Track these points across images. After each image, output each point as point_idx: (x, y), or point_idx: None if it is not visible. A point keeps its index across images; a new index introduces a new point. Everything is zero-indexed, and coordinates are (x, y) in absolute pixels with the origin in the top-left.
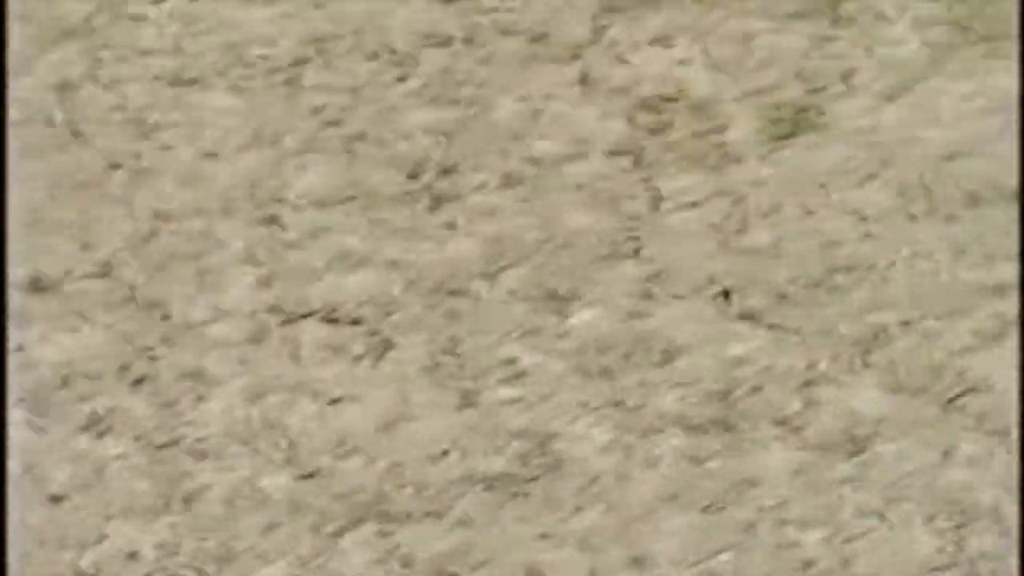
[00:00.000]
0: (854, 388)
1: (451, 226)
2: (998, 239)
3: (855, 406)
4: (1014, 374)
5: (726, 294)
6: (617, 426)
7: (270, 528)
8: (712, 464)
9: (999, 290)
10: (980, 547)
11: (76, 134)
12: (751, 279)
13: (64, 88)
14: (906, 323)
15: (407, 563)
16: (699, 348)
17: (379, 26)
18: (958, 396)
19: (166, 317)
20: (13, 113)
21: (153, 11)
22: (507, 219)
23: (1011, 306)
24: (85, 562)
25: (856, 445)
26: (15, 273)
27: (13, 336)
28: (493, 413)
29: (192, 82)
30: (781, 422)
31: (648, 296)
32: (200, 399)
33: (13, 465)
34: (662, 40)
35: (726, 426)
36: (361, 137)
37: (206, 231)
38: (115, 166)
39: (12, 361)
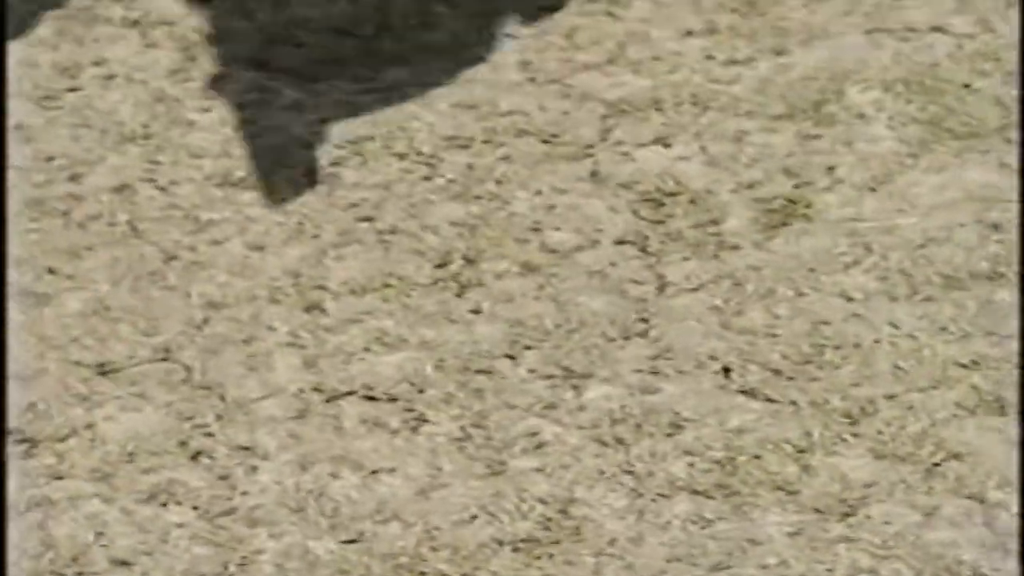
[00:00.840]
0: (845, 455)
1: (476, 311)
2: (973, 318)
3: (846, 472)
4: (991, 441)
5: (726, 370)
6: (631, 492)
7: None
8: (718, 526)
9: (976, 364)
10: None
11: (135, 231)
12: (749, 356)
13: (124, 189)
14: (890, 396)
15: None
16: (703, 420)
17: (407, 129)
18: (940, 462)
19: (221, 397)
20: (77, 213)
21: (205, 118)
22: (526, 304)
23: (986, 380)
24: None
25: (848, 507)
26: (84, 357)
27: (82, 416)
28: (518, 481)
29: (240, 182)
30: (780, 487)
31: (656, 372)
32: (252, 471)
33: (81, 533)
34: (663, 139)
35: (729, 491)
36: (393, 231)
37: (255, 317)
38: (171, 259)
39: (82, 438)
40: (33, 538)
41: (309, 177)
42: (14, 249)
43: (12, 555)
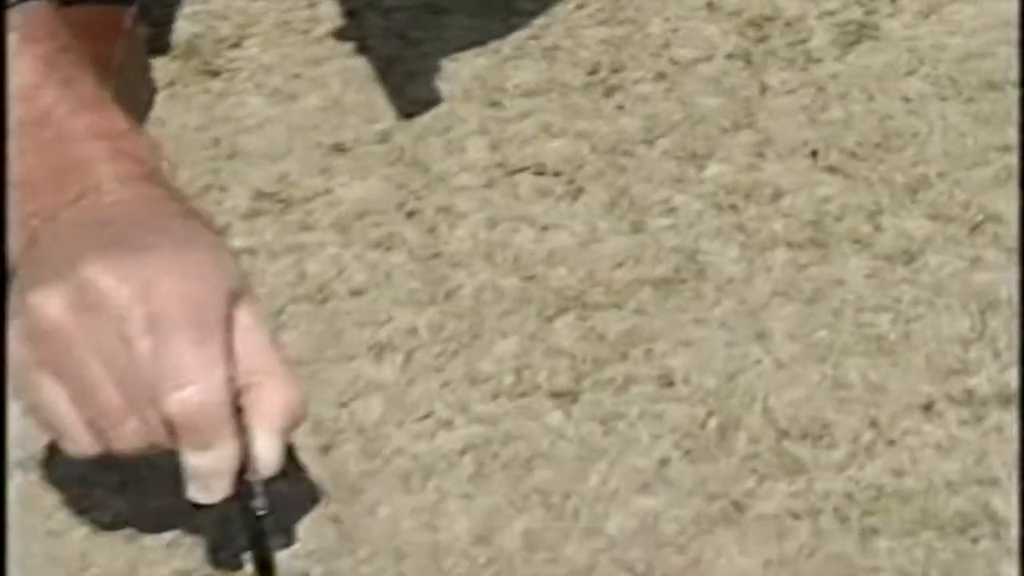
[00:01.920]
0: (907, 218)
1: (620, 107)
2: (1005, 113)
3: (908, 230)
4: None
5: (814, 153)
6: (742, 244)
7: (505, 314)
8: (809, 270)
9: (1006, 149)
10: (997, 325)
11: (363, 47)
12: (831, 143)
13: (350, 14)
14: (941, 173)
15: (600, 338)
16: (797, 191)
17: None
18: (981, 223)
19: (426, 170)
20: (316, 31)
21: None
22: (658, 103)
23: (1014, 159)
24: (383, 334)
25: (910, 256)
26: (323, 140)
27: (323, 184)
28: (655, 235)
29: (443, 10)
30: (856, 241)
31: (760, 155)
32: (452, 226)
33: (325, 271)
34: None
35: (818, 244)
36: (555, 47)
37: (452, 111)
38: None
39: (323, 200)
40: (290, 274)
41: (487, 4)
42: (267, 58)
43: (272, 285)
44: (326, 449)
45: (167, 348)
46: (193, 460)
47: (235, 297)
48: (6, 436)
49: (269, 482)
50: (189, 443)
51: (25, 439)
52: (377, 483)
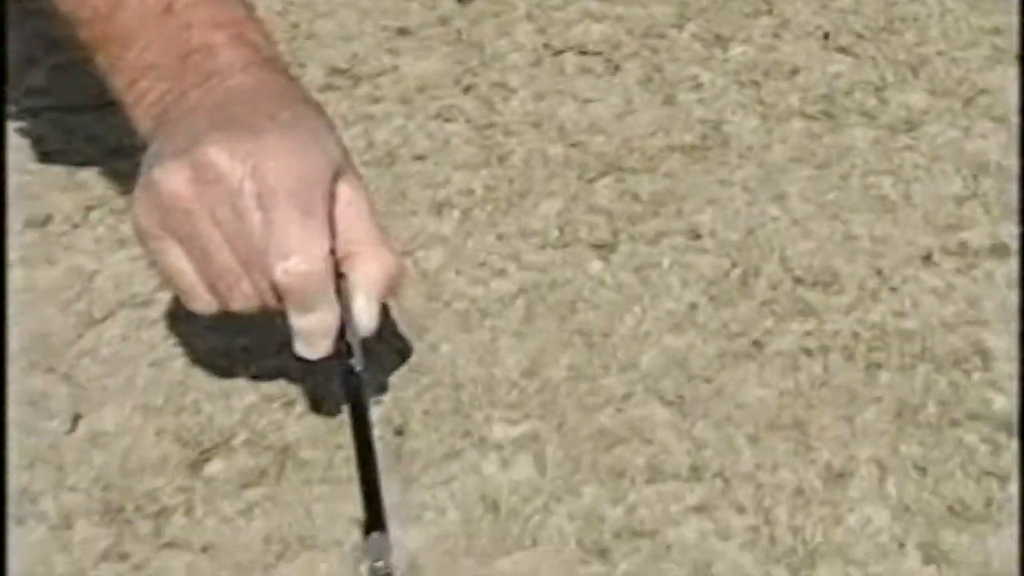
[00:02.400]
0: (909, 92)
1: None
2: (994, 2)
3: (910, 102)
4: (1010, 84)
5: (826, 35)
6: (761, 116)
7: (551, 176)
8: (823, 139)
9: (997, 31)
10: (988, 186)
11: None
12: (841, 26)
13: None
14: (940, 53)
15: (635, 198)
16: (810, 68)
17: None
18: (973, 97)
19: (481, 50)
20: None
21: None
22: None
23: (1005, 40)
24: (443, 194)
25: (911, 126)
26: (388, 23)
27: (389, 61)
28: (684, 108)
29: None
30: (864, 113)
31: (778, 37)
32: (505, 99)
33: (392, 139)
34: None
35: (830, 115)
36: None
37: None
38: None
39: (390, 76)
40: (360, 141)
41: None
42: None
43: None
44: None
45: (274, 222)
46: (297, 322)
47: (338, 173)
48: (6, 436)
49: (366, 342)
50: (294, 307)
51: (130, 280)
52: (438, 323)
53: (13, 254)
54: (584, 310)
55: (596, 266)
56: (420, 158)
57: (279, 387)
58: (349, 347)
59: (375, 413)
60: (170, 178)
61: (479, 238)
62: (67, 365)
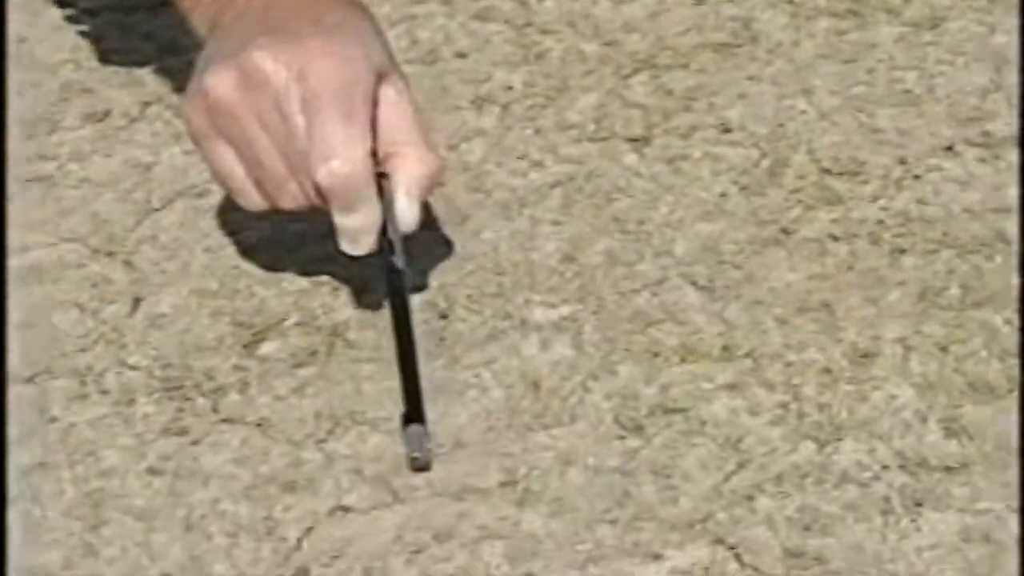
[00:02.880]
0: None
1: None
2: None
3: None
4: None
5: None
6: (790, 14)
7: (587, 73)
8: (848, 36)
9: None
10: (1012, 79)
11: None
12: None
13: None
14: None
15: (668, 93)
16: None
17: None
18: None
19: None
20: None
21: None
22: None
23: None
24: (483, 90)
25: (935, 22)
26: None
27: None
28: (715, 7)
29: None
30: (889, 10)
31: None
32: (541, 0)
33: (434, 37)
34: None
35: (855, 13)
36: None
37: None
38: None
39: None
40: (403, 40)
41: None
42: None
43: None
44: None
45: (317, 125)
46: (341, 220)
47: (381, 76)
48: (6, 435)
49: (408, 237)
50: (337, 207)
51: (185, 172)
52: (480, 212)
53: (71, 148)
54: (619, 199)
55: (631, 158)
56: (461, 56)
57: (329, 272)
58: (391, 244)
59: (420, 299)
60: (218, 83)
61: (518, 132)
62: (127, 251)
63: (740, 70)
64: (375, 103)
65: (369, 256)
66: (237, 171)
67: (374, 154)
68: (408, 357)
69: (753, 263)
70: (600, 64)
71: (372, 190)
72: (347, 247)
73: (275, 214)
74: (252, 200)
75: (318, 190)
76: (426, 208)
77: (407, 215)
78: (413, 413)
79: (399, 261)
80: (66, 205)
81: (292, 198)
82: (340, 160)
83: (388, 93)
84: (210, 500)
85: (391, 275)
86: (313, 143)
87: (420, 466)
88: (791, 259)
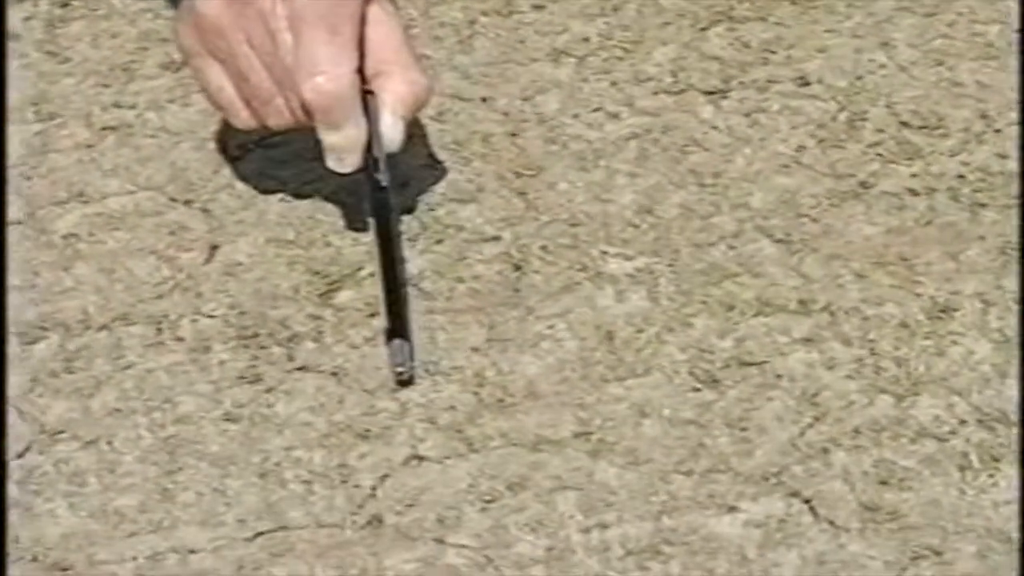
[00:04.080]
0: None
1: None
2: None
3: None
4: None
5: None
6: None
7: (664, 25)
8: None
9: None
10: None
11: None
12: None
13: None
14: None
15: (745, 46)
16: None
17: None
18: None
19: None
20: None
21: None
22: None
23: None
24: (560, 42)
25: None
26: None
27: None
28: None
29: None
30: None
31: None
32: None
33: None
34: None
35: None
36: None
37: None
38: None
39: None
40: None
41: None
42: None
43: (464, 0)
44: (513, 135)
45: (304, 42)
46: (326, 137)
47: None
48: (6, 435)
49: (392, 157)
50: (322, 124)
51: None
52: (556, 163)
53: (148, 96)
54: (696, 152)
55: (707, 111)
56: (538, 7)
57: (403, 223)
58: (376, 162)
59: (495, 249)
60: (208, 2)
61: (594, 84)
62: (204, 200)
63: (818, 23)
64: (363, 23)
65: (354, 173)
66: (226, 89)
67: (361, 73)
68: (391, 273)
69: (830, 216)
70: (677, 16)
71: (358, 107)
72: (333, 164)
73: (264, 132)
74: (240, 118)
75: (304, 106)
76: (500, 159)
77: (392, 133)
78: (397, 328)
79: (384, 178)
80: (144, 154)
81: (279, 116)
82: (326, 76)
83: (375, 13)
84: (285, 447)
85: (376, 192)
86: (299, 59)
87: (405, 380)
88: (869, 213)
